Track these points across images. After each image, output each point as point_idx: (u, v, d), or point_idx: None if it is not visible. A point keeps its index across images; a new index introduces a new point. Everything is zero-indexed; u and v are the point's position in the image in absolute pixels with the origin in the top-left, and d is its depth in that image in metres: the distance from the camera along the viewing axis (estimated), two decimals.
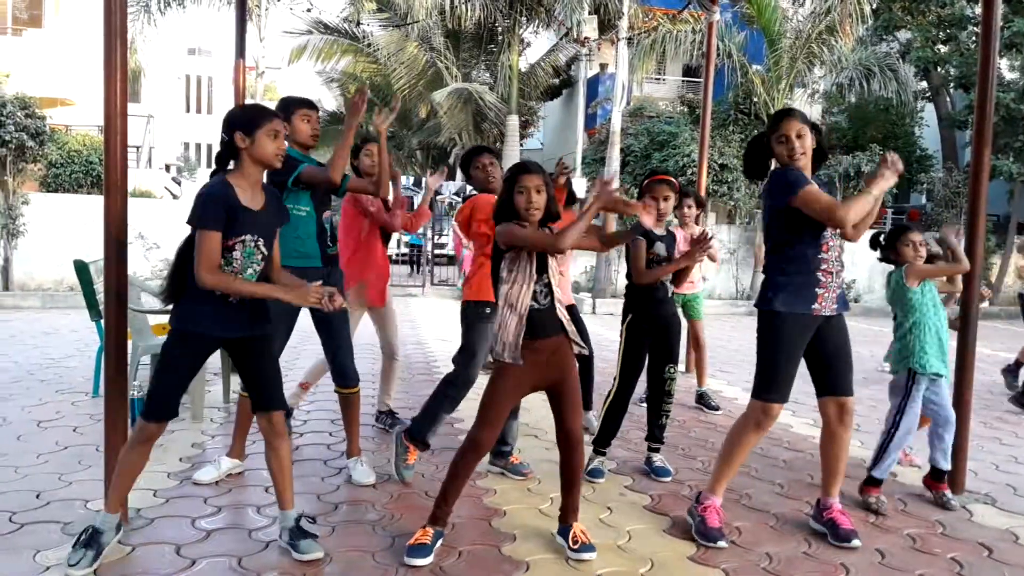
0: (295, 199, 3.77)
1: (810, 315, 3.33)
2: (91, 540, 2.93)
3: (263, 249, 2.98)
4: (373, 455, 4.42)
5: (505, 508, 3.67)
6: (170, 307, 3.04)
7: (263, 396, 3.09)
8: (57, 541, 3.13)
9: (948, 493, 3.95)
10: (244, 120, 2.94)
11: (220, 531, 3.31)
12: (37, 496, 3.61)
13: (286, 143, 3.12)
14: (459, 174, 21.70)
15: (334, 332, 3.98)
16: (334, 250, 3.97)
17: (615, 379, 4.26)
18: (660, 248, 4.23)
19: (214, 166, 3.05)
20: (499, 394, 3.13)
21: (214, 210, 2.84)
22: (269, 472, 3.14)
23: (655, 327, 4.23)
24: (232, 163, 2.99)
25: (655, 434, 4.31)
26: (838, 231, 3.34)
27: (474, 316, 4.09)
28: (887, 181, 3.21)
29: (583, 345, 3.25)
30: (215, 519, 3.43)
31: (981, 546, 3.43)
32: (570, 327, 3.17)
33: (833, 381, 3.46)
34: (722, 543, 3.30)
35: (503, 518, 3.55)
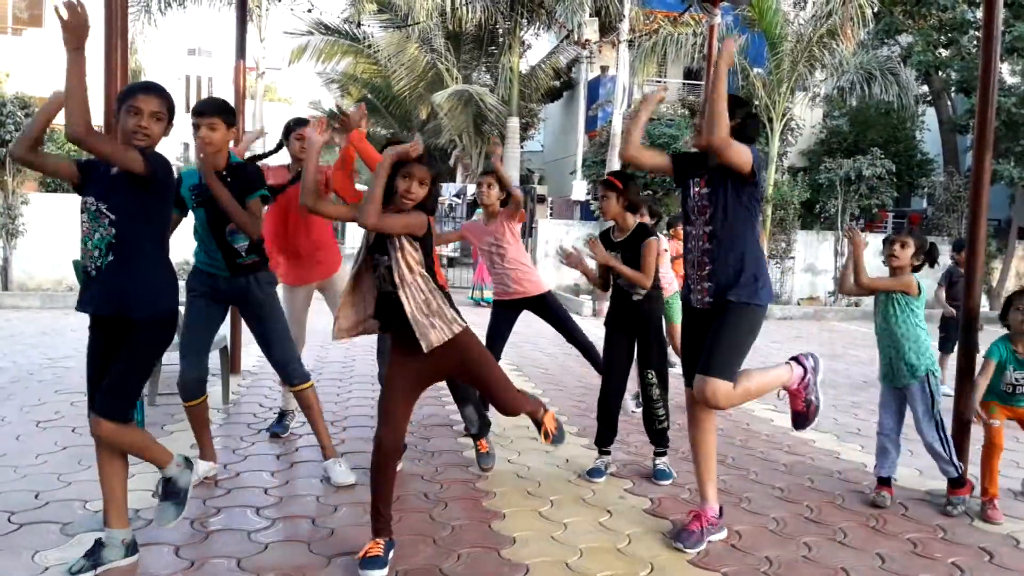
0: (196, 213, 3.84)
1: (690, 304, 3.46)
2: (92, 552, 2.92)
3: (108, 214, 2.81)
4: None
5: (505, 511, 3.66)
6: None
7: (99, 395, 2.91)
8: (56, 541, 3.12)
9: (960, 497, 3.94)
10: (120, 95, 2.93)
11: (219, 532, 3.30)
12: (36, 496, 3.59)
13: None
14: (459, 175, 21.73)
15: (266, 328, 3.94)
16: (247, 259, 3.86)
17: (606, 377, 4.33)
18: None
19: None
20: (385, 388, 3.13)
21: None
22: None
23: (628, 328, 4.26)
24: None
25: (653, 439, 4.30)
26: (702, 224, 3.33)
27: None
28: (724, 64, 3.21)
29: (427, 343, 2.98)
30: (214, 520, 3.42)
31: (982, 551, 3.42)
32: (417, 318, 2.95)
33: (692, 367, 3.38)
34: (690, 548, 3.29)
35: (503, 521, 3.54)
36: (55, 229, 11.63)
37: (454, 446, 4.66)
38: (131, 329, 2.86)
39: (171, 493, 3.02)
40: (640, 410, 4.50)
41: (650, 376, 4.23)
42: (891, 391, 4.05)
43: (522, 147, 21.35)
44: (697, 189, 3.36)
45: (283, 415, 4.83)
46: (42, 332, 8.62)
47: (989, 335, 4.39)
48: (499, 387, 3.24)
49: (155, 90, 2.88)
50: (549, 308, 4.75)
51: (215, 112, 3.62)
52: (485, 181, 4.58)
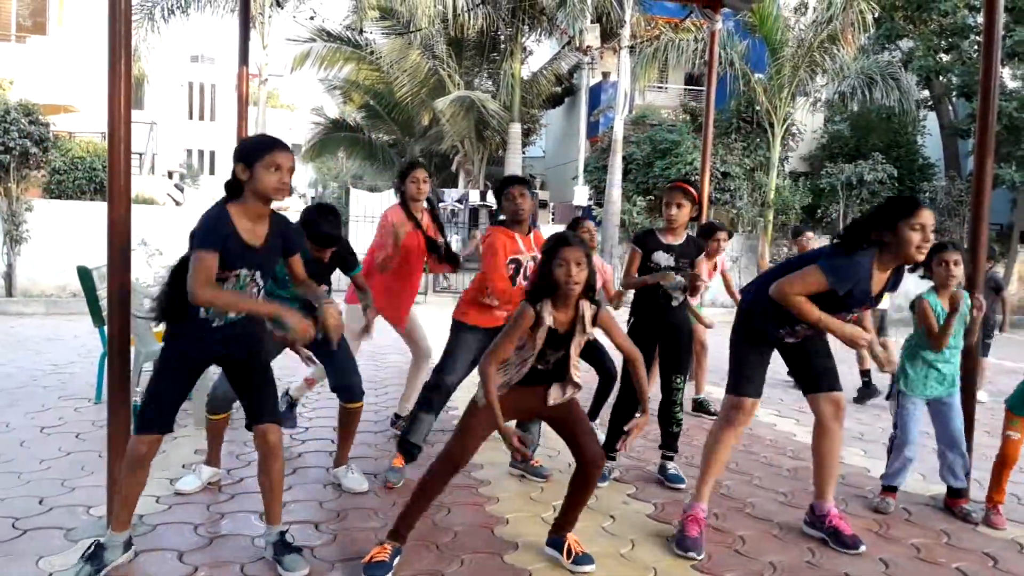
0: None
1: (779, 336, 3.47)
2: (94, 555, 2.91)
3: (259, 282, 2.98)
4: (376, 461, 4.42)
5: (508, 516, 3.66)
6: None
7: (252, 409, 3.07)
8: (60, 547, 3.13)
9: (967, 506, 3.94)
10: (245, 151, 2.87)
11: (222, 538, 3.30)
12: (40, 502, 3.60)
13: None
14: (461, 180, 21.75)
15: (342, 351, 3.94)
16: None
17: (619, 382, 4.28)
18: (661, 258, 4.23)
19: (224, 194, 2.96)
20: (472, 424, 3.05)
21: (213, 233, 2.80)
22: (260, 489, 3.10)
23: (659, 334, 4.26)
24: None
25: (667, 442, 4.31)
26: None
27: (460, 328, 4.18)
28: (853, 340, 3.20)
29: (558, 399, 3.12)
30: (217, 526, 3.43)
31: (986, 556, 3.42)
32: (561, 386, 3.09)
33: (823, 377, 3.48)
34: (693, 554, 3.26)
35: (506, 526, 3.55)
36: (59, 235, 11.68)
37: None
38: (251, 359, 3.12)
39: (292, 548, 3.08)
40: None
41: (678, 381, 4.27)
42: (923, 404, 4.01)
43: (524, 153, 21.36)
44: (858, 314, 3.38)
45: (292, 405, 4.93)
46: (46, 338, 8.63)
47: (999, 341, 4.38)
48: (588, 435, 3.18)
49: (288, 147, 2.95)
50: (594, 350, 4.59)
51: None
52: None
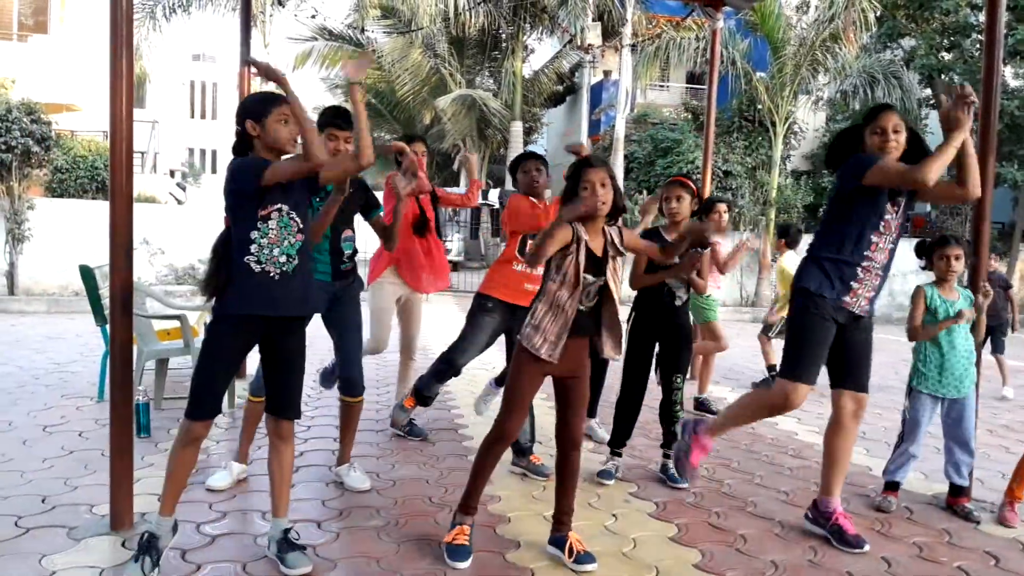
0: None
1: (839, 304, 3.36)
2: (149, 545, 2.90)
3: (298, 221, 2.94)
4: (378, 460, 4.42)
5: (509, 515, 3.66)
6: (175, 312, 3.05)
7: (280, 400, 3.07)
8: (62, 546, 3.13)
9: (968, 505, 3.93)
10: (254, 108, 2.92)
11: (225, 536, 3.31)
12: (43, 501, 3.61)
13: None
14: (463, 180, 21.73)
15: (344, 338, 3.96)
16: (348, 265, 3.92)
17: (621, 380, 4.31)
18: None
19: (232, 155, 3.01)
20: (522, 382, 3.12)
21: (254, 163, 2.87)
22: (269, 475, 3.13)
23: (660, 332, 4.26)
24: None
25: (668, 441, 4.31)
26: (891, 237, 3.36)
27: (476, 307, 4.24)
28: (963, 125, 3.08)
29: (616, 352, 3.17)
30: (220, 524, 3.43)
31: (988, 555, 3.41)
32: (611, 330, 3.13)
33: (854, 375, 3.49)
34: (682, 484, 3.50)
35: (508, 524, 3.55)
36: (61, 234, 11.69)
37: (459, 450, 4.66)
38: (301, 335, 3.09)
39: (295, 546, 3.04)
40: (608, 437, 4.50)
41: (678, 380, 4.28)
42: (934, 402, 3.99)
43: (525, 151, 21.35)
44: (897, 208, 3.39)
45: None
46: (48, 337, 8.64)
47: (1011, 341, 4.37)
48: (581, 408, 3.23)
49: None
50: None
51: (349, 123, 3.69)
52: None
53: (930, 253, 3.98)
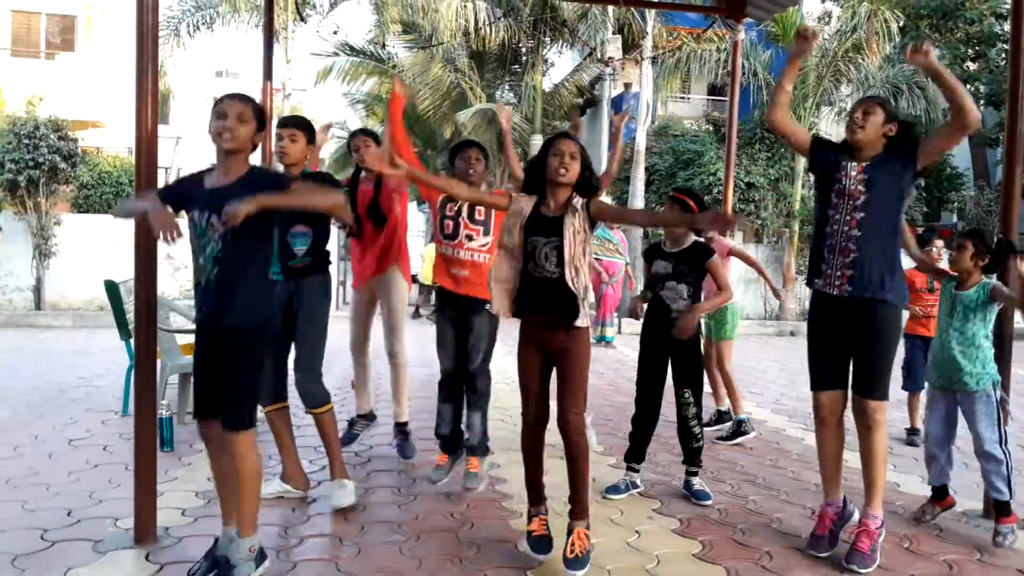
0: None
1: (820, 293, 3.39)
2: (260, 555, 3.01)
3: (216, 225, 2.84)
4: (399, 475, 4.41)
5: (522, 509, 3.62)
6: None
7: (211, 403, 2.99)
8: (88, 559, 3.15)
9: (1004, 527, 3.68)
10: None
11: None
12: (68, 514, 3.63)
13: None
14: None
15: (297, 344, 3.88)
16: (299, 263, 3.85)
17: (636, 394, 4.31)
18: (659, 267, 4.23)
19: None
20: (519, 364, 3.30)
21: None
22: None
23: (666, 346, 4.20)
24: None
25: (689, 458, 4.26)
26: (850, 209, 3.32)
27: (438, 310, 4.27)
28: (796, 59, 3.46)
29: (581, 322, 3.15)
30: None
31: (1020, 573, 3.34)
32: (582, 306, 3.12)
33: (855, 377, 3.41)
34: (814, 552, 3.39)
35: (520, 519, 3.51)
36: (87, 249, 11.84)
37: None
38: (233, 340, 2.98)
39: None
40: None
41: (687, 395, 4.22)
42: (939, 395, 3.88)
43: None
44: (853, 174, 3.36)
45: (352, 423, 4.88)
46: (74, 351, 8.74)
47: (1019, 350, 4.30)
48: (572, 394, 3.21)
49: (235, 96, 3.07)
50: None
51: (297, 125, 3.84)
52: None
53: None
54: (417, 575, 3.11)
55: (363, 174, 4.51)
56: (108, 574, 3.02)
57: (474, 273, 4.00)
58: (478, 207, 4.01)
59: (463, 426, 4.23)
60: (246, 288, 2.91)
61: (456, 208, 4.03)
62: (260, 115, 3.04)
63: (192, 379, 3.01)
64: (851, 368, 3.43)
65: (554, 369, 3.27)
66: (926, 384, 3.99)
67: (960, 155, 20.29)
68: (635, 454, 4.27)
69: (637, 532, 3.67)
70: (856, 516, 3.51)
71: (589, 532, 3.25)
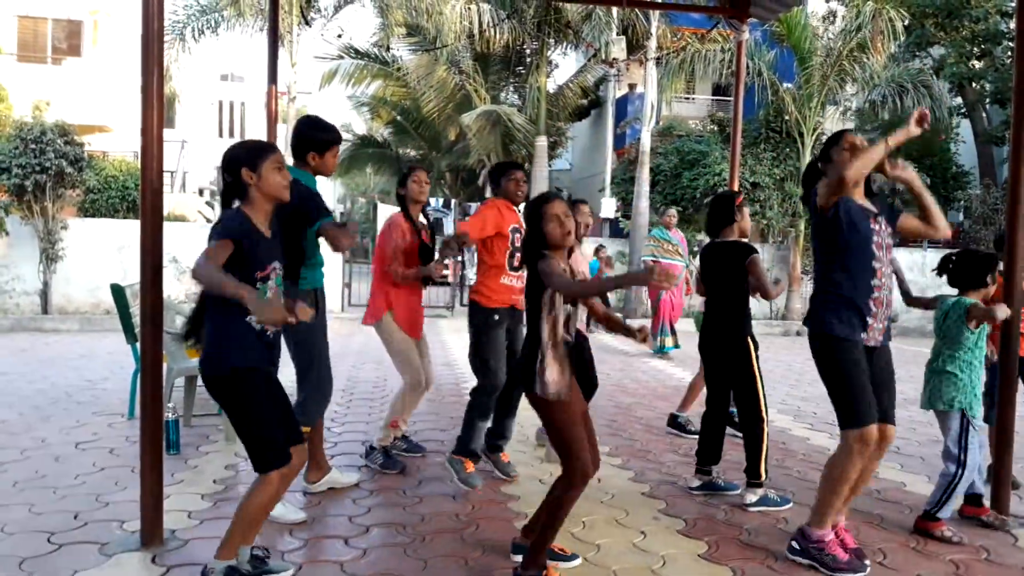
0: (313, 249, 3.84)
1: (861, 342, 3.30)
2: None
3: (279, 271, 2.97)
4: (404, 478, 4.41)
5: (527, 511, 3.62)
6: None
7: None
8: (94, 562, 3.16)
9: (987, 516, 3.87)
10: (248, 156, 2.91)
11: (308, 565, 3.28)
12: (75, 517, 3.64)
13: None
14: (488, 194, 21.78)
15: (303, 379, 3.90)
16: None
17: (762, 412, 4.19)
18: None
19: (219, 207, 2.98)
20: (567, 425, 3.03)
21: (233, 227, 2.82)
22: None
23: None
24: (238, 201, 2.93)
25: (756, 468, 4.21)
26: (887, 262, 3.31)
27: (483, 323, 4.27)
28: (905, 133, 3.27)
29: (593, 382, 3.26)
30: (300, 553, 3.40)
31: None
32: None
33: (879, 406, 3.37)
34: (862, 573, 3.23)
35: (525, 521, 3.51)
36: (93, 254, 11.89)
37: (484, 466, 4.63)
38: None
39: None
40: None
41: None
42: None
43: (550, 166, 21.35)
44: (879, 227, 3.35)
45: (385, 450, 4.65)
46: (80, 355, 8.77)
47: None
48: (595, 445, 3.20)
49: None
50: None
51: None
52: None
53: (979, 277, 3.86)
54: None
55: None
56: None
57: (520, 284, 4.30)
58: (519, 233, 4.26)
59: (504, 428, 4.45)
60: (213, 335, 2.87)
61: (513, 236, 4.30)
62: None
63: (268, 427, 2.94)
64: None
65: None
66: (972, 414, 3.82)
67: (966, 153, 20.23)
68: (707, 456, 4.30)
69: (643, 533, 3.67)
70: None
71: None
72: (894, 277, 3.51)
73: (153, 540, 3.32)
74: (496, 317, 4.26)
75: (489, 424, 4.36)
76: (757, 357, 4.26)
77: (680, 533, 3.69)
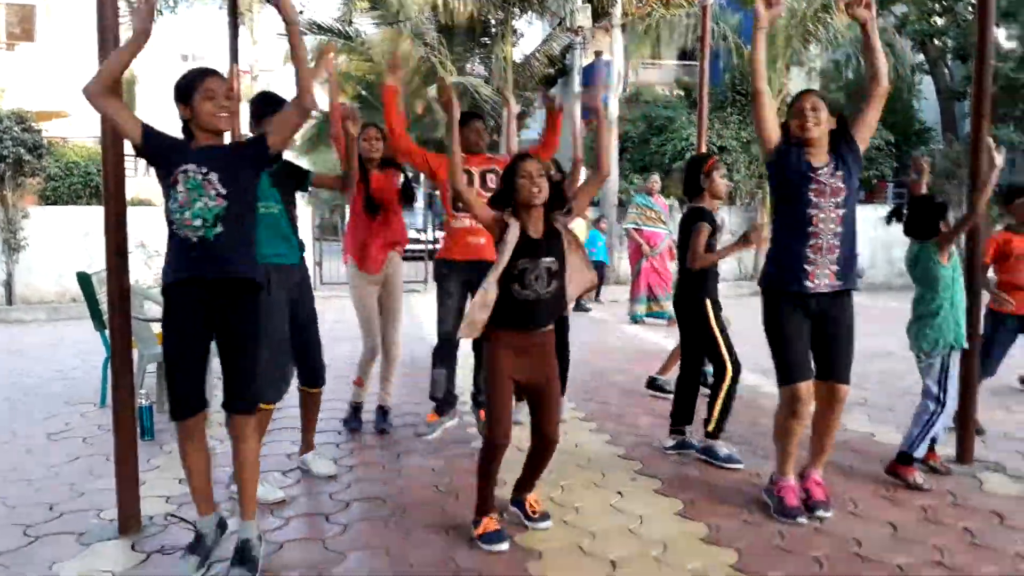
0: (263, 196, 3.71)
1: (803, 292, 3.35)
2: (195, 545, 2.98)
3: (218, 186, 2.81)
4: (382, 451, 4.43)
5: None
6: None
7: (228, 390, 2.97)
8: (73, 552, 3.14)
9: (935, 462, 3.96)
10: (180, 93, 2.90)
11: (234, 533, 3.30)
12: (51, 508, 3.62)
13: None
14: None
15: (300, 328, 3.92)
16: (302, 252, 3.91)
17: (726, 369, 4.24)
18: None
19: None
20: (498, 387, 3.16)
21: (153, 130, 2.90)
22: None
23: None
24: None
25: (721, 425, 4.30)
26: (833, 206, 3.34)
27: (436, 272, 4.47)
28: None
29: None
30: (227, 521, 3.43)
31: (993, 514, 3.42)
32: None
33: (829, 365, 3.44)
34: (801, 519, 3.34)
35: (522, 527, 3.55)
36: (57, 241, 11.68)
37: (463, 436, 4.66)
38: (245, 320, 2.93)
39: (249, 558, 2.93)
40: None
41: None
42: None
43: (519, 136, 21.25)
44: (823, 174, 3.35)
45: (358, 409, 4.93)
46: (49, 344, 8.66)
47: None
48: (556, 411, 3.27)
49: (219, 74, 2.97)
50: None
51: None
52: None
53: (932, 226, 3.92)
54: (404, 548, 3.13)
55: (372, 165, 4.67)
56: (95, 566, 3.02)
57: (489, 239, 4.05)
58: (488, 175, 4.30)
59: (473, 388, 4.62)
60: (251, 244, 2.95)
61: (469, 180, 4.26)
62: None
63: (167, 369, 2.94)
64: (820, 357, 3.48)
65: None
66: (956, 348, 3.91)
67: (928, 109, 20.41)
68: (683, 417, 4.39)
69: (620, 493, 3.72)
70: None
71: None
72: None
73: (131, 527, 3.31)
74: (445, 269, 4.39)
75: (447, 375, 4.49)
76: (719, 318, 4.31)
77: (656, 492, 3.75)
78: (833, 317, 3.42)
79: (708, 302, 4.31)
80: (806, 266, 3.34)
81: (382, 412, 4.89)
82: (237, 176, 2.88)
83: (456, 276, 4.37)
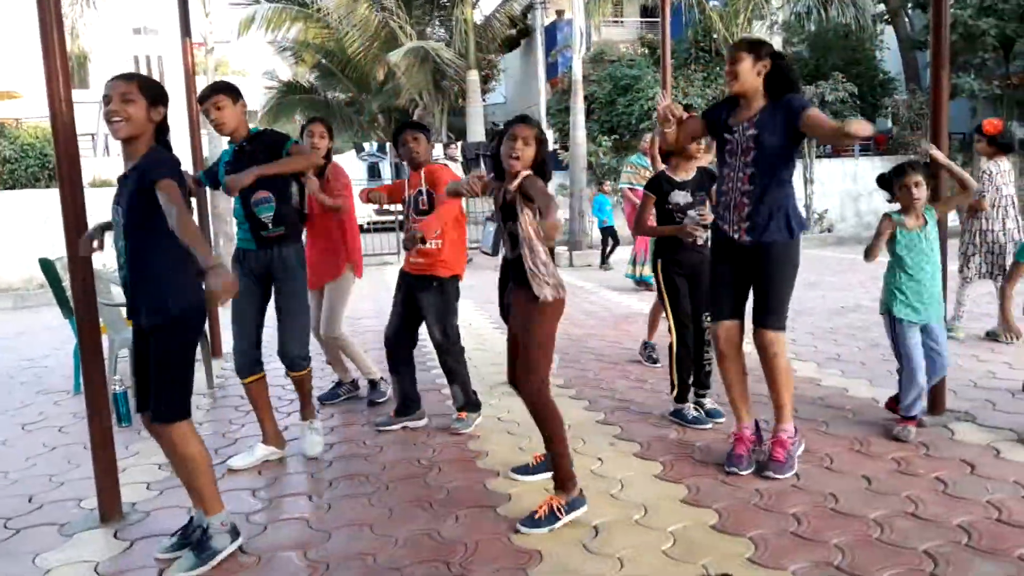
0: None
1: (723, 239, 3.56)
2: (200, 544, 2.91)
3: (120, 217, 2.79)
4: (362, 427, 4.43)
5: (499, 469, 3.70)
6: None
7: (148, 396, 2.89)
8: (54, 543, 3.12)
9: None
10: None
11: (277, 523, 3.27)
12: (29, 500, 3.59)
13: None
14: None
15: (280, 312, 3.95)
16: (273, 231, 3.85)
17: (669, 329, 4.30)
18: (679, 197, 4.26)
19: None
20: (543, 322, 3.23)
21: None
22: None
23: (685, 273, 4.30)
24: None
25: (700, 380, 4.36)
26: (742, 166, 3.43)
27: (454, 292, 4.30)
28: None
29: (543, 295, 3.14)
30: (268, 512, 3.39)
31: (964, 463, 3.51)
32: (536, 283, 3.08)
33: (754, 310, 3.55)
34: (732, 469, 3.48)
35: (497, 479, 3.58)
36: (17, 227, 11.43)
37: (444, 410, 4.68)
38: (153, 333, 2.82)
39: (201, 546, 2.89)
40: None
41: (708, 318, 4.21)
42: (916, 327, 3.94)
43: (484, 100, 21.06)
44: (737, 134, 3.44)
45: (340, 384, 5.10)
46: (18, 333, 8.51)
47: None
48: (524, 364, 3.19)
49: (119, 77, 2.81)
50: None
51: (216, 91, 3.74)
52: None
53: (891, 185, 3.95)
54: (387, 524, 3.15)
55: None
56: (77, 556, 3.00)
57: (426, 257, 4.22)
58: (420, 199, 4.24)
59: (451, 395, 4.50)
60: (153, 283, 2.79)
61: (405, 206, 4.38)
62: (151, 88, 2.83)
63: (131, 367, 2.94)
64: (752, 302, 3.57)
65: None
66: (903, 321, 3.91)
67: (891, 60, 20.51)
68: (685, 393, 4.34)
69: (600, 459, 3.76)
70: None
71: (562, 503, 3.09)
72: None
73: (112, 515, 3.29)
74: (399, 279, 4.39)
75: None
76: (670, 278, 4.31)
77: (636, 456, 3.80)
78: (755, 265, 3.50)
79: (660, 262, 4.35)
80: (718, 221, 3.59)
81: (371, 385, 5.01)
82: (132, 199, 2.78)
83: (401, 286, 4.38)
